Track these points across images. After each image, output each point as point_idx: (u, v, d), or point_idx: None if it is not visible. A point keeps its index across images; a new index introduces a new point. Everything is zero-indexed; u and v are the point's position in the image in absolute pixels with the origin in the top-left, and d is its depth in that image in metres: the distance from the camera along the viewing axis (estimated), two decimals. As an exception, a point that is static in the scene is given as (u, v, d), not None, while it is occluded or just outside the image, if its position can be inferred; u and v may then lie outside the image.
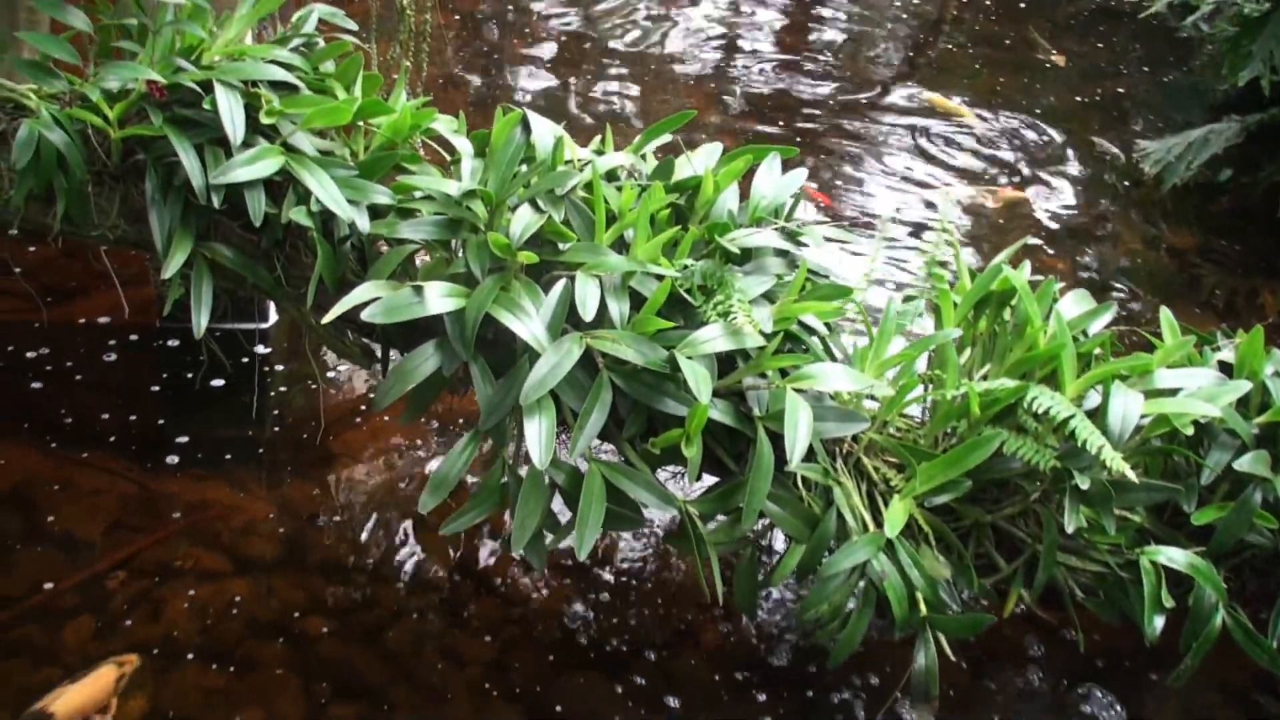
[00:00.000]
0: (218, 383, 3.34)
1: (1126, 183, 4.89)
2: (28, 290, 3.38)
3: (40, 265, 3.68)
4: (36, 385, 3.29)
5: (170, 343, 3.46)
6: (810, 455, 2.37)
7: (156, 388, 3.33)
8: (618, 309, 2.30)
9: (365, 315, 2.23)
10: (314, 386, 3.38)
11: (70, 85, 2.46)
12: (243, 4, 2.63)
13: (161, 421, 3.22)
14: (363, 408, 3.37)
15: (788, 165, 2.69)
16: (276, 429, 3.26)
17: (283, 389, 3.39)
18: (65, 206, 2.50)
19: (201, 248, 2.52)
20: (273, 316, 3.54)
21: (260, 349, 3.45)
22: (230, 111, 2.41)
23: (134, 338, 3.48)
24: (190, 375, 3.35)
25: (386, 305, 2.24)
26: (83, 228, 2.60)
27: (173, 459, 3.10)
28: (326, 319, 2.26)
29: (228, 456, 3.14)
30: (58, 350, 3.42)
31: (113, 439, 3.16)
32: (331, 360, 3.48)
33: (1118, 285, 4.27)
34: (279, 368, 3.45)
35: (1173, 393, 2.45)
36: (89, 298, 3.64)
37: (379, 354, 2.68)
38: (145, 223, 2.50)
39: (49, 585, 2.73)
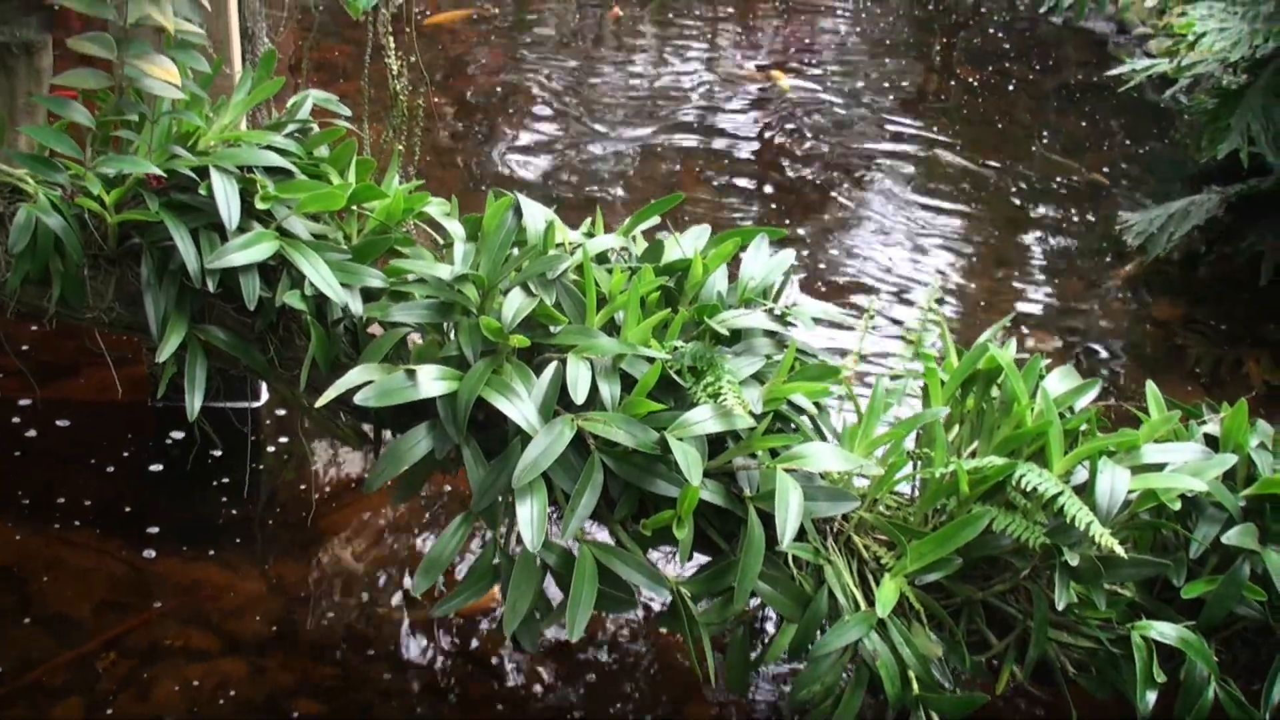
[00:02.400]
0: (209, 461, 3.35)
1: (1109, 254, 4.94)
2: (20, 368, 3.39)
3: (33, 343, 3.70)
4: (27, 463, 3.30)
5: (162, 421, 3.47)
6: (801, 534, 2.38)
7: (147, 466, 3.34)
8: (609, 391, 2.32)
9: (358, 399, 2.24)
10: (305, 465, 3.39)
11: (71, 176, 2.47)
12: (238, 90, 2.67)
13: (152, 500, 3.23)
14: (354, 485, 3.37)
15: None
16: (267, 507, 3.27)
17: (274, 467, 3.40)
18: (61, 290, 2.53)
19: (196, 330, 2.54)
20: (264, 395, 3.56)
21: (251, 428, 3.46)
22: (226, 197, 2.43)
23: (126, 416, 3.49)
24: (182, 454, 3.36)
25: (380, 389, 2.26)
26: (78, 310, 2.62)
27: (163, 538, 3.10)
28: (320, 402, 2.27)
29: (218, 535, 3.15)
30: (49, 428, 3.43)
31: (103, 517, 3.16)
32: (323, 439, 3.49)
33: (1102, 357, 4.30)
34: (270, 446, 3.46)
35: (1159, 467, 2.47)
36: (81, 376, 3.66)
37: (371, 435, 2.69)
38: (140, 306, 2.52)
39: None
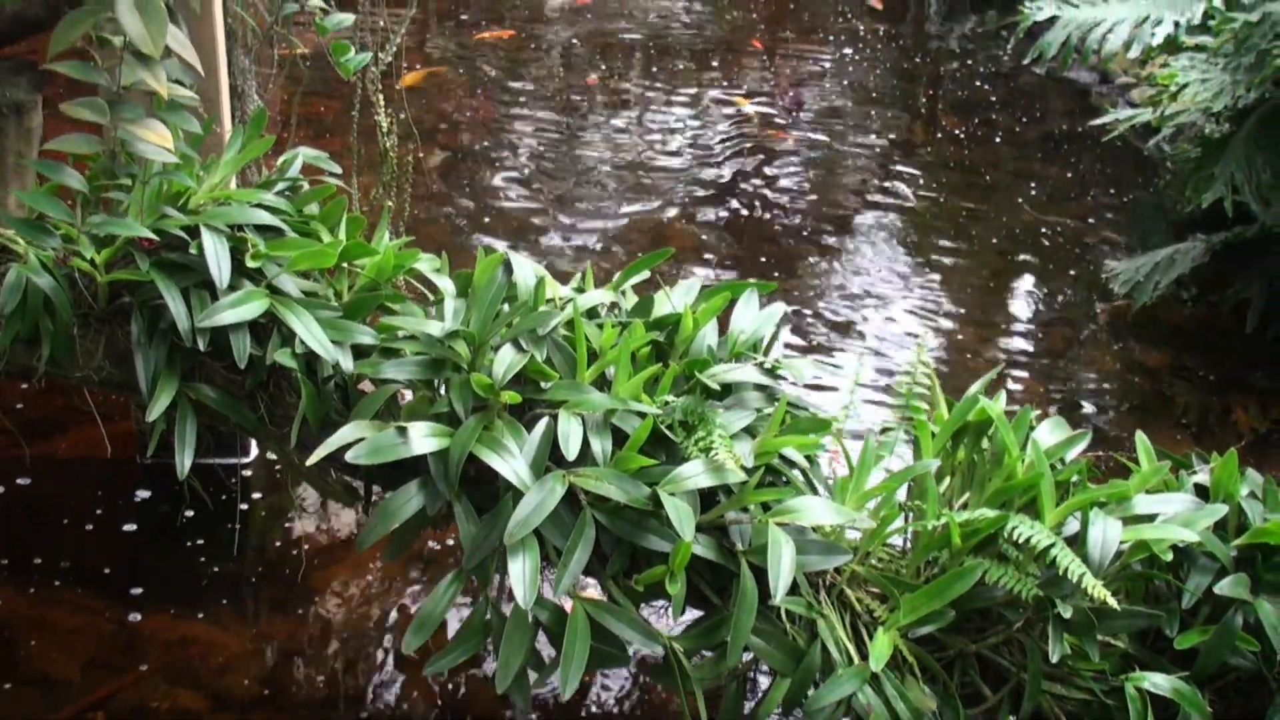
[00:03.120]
0: (197, 518, 3.34)
1: (1096, 302, 4.96)
2: (8, 426, 3.38)
3: (20, 399, 3.69)
4: (14, 521, 3.28)
5: (150, 478, 3.46)
6: (794, 588, 2.38)
7: (135, 524, 3.32)
8: (600, 446, 2.32)
9: (349, 456, 2.24)
10: (294, 521, 3.38)
11: (63, 238, 2.47)
12: (229, 149, 2.68)
13: (140, 557, 3.21)
14: (343, 539, 3.36)
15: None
16: (256, 564, 3.25)
17: (262, 523, 3.38)
18: (51, 349, 2.52)
19: (186, 388, 2.53)
20: (253, 451, 3.55)
21: (240, 484, 3.45)
22: (216, 256, 2.44)
23: (114, 473, 3.48)
24: (170, 511, 3.35)
25: (371, 446, 2.26)
26: (67, 369, 2.61)
27: (151, 596, 3.09)
28: (312, 460, 2.27)
29: (207, 593, 3.13)
30: (37, 485, 3.42)
31: (90, 576, 3.14)
32: (311, 494, 3.48)
33: (1090, 405, 4.32)
34: (259, 501, 3.45)
35: (1150, 518, 2.48)
36: (69, 432, 3.65)
37: (361, 491, 2.69)
38: (130, 364, 2.52)
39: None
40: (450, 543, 3.35)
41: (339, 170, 2.84)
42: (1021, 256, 5.32)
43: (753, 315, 2.69)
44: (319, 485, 2.73)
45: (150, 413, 2.44)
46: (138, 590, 3.10)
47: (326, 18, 2.85)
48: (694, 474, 2.29)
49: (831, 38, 7.93)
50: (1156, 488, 2.57)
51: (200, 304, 2.46)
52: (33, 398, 3.69)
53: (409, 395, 2.53)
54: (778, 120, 6.58)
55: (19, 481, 3.42)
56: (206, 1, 2.86)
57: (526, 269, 2.59)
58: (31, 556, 3.19)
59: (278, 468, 3.53)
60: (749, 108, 6.66)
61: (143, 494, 3.42)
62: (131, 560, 3.21)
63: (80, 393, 3.42)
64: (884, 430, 2.65)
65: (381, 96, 3.18)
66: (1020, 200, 5.81)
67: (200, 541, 3.28)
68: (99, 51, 2.26)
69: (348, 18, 2.94)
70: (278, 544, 3.33)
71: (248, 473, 3.51)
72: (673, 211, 5.43)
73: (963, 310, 4.84)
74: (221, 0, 3.06)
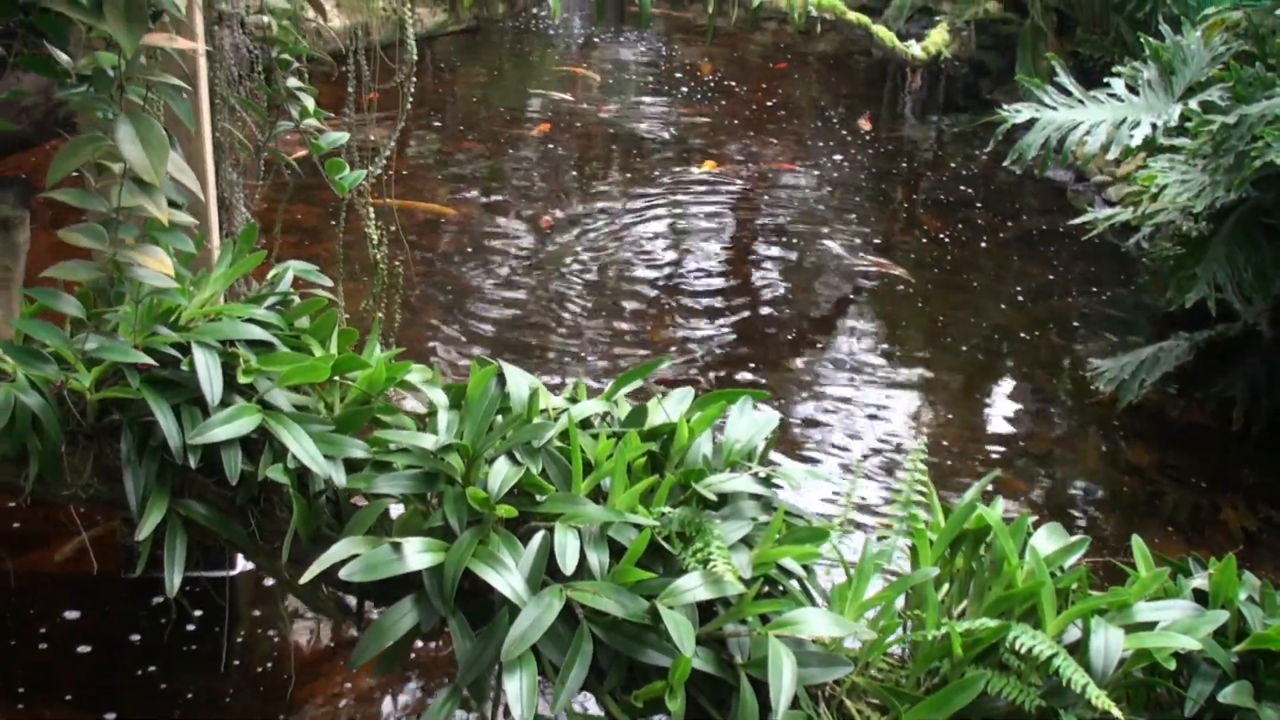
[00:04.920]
0: (184, 632, 3.28)
1: (1081, 401, 4.98)
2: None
3: (2, 512, 3.64)
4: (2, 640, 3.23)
5: (136, 592, 3.41)
6: (794, 701, 2.35)
7: (121, 638, 3.27)
8: (597, 559, 2.30)
9: (344, 574, 2.22)
10: (282, 634, 3.33)
11: (55, 358, 2.45)
12: (219, 264, 2.68)
13: (126, 673, 3.15)
14: (331, 649, 3.31)
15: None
16: (244, 678, 3.20)
17: (250, 637, 3.33)
18: (38, 468, 2.49)
19: (175, 505, 2.51)
20: (240, 564, 3.51)
21: (228, 597, 3.40)
22: (208, 372, 2.43)
23: (98, 587, 3.43)
24: (157, 622, 3.29)
25: (366, 563, 2.23)
26: (54, 487, 2.58)
27: (137, 712, 3.02)
28: (306, 578, 2.24)
29: (194, 708, 3.07)
30: (20, 602, 3.36)
31: (76, 692, 3.08)
32: (298, 606, 3.43)
33: (1080, 505, 4.31)
34: (246, 614, 3.40)
35: (1151, 625, 2.46)
36: (52, 546, 3.60)
37: (354, 606, 2.65)
38: (119, 481, 2.49)
39: None
40: (439, 645, 3.30)
41: (330, 283, 2.84)
42: (1004, 355, 5.34)
43: (747, 424, 2.68)
44: (310, 600, 2.70)
45: (140, 531, 2.41)
46: (123, 706, 3.04)
47: (322, 136, 2.87)
48: (692, 586, 2.27)
49: (810, 142, 8.02)
50: (1156, 594, 2.56)
51: (191, 420, 2.44)
52: (12, 509, 3.64)
53: (401, 508, 2.51)
54: (757, 223, 6.63)
55: (2, 598, 3.36)
56: (197, 118, 2.88)
57: (520, 380, 2.59)
58: (15, 673, 3.13)
59: (257, 580, 3.48)
60: (726, 207, 6.71)
61: (127, 608, 3.36)
62: (117, 676, 3.15)
63: (65, 507, 3.38)
64: (880, 538, 2.63)
65: (371, 210, 3.19)
66: (1001, 299, 5.85)
67: (186, 655, 3.23)
68: (94, 174, 2.26)
69: (342, 136, 2.96)
70: (266, 657, 3.27)
71: (235, 586, 3.45)
72: (650, 308, 5.44)
73: (946, 411, 4.84)
74: (210, 115, 3.08)
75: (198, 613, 3.28)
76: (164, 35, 2.17)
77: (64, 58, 2.23)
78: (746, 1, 5.85)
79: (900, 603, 2.55)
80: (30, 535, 3.60)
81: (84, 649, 3.23)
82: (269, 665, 3.25)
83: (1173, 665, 2.39)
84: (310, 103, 2.99)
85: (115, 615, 3.35)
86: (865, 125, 7.98)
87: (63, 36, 2.26)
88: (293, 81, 2.98)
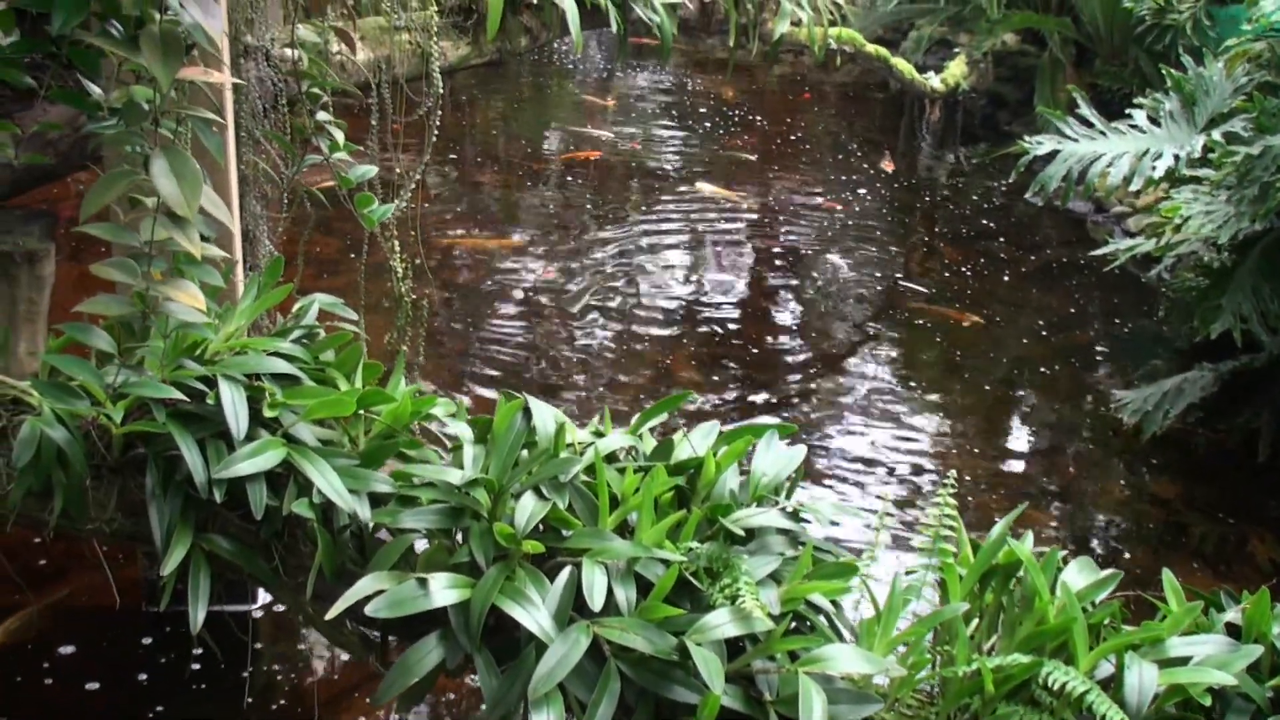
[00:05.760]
0: (206, 666, 3.27)
1: (1106, 432, 4.95)
2: (10, 574, 3.33)
3: (23, 547, 3.63)
4: (19, 675, 3.21)
5: (157, 627, 3.39)
6: (824, 738, 2.32)
7: (143, 674, 3.25)
8: (624, 595, 2.28)
9: (369, 610, 2.20)
10: (305, 669, 3.31)
11: (83, 391, 2.44)
12: (244, 297, 2.68)
13: (144, 708, 3.13)
14: (352, 684, 3.29)
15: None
16: (266, 714, 3.18)
17: (272, 671, 3.31)
18: (63, 502, 2.48)
19: (199, 539, 2.49)
20: (262, 597, 3.49)
21: (250, 631, 3.39)
22: (234, 406, 2.42)
23: (120, 620, 3.41)
24: (178, 657, 3.28)
25: (392, 599, 2.21)
26: (79, 522, 2.57)
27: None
28: (331, 614, 2.22)
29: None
30: (42, 635, 3.35)
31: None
32: (320, 640, 3.41)
33: (1105, 537, 4.28)
34: (268, 648, 3.38)
35: (1185, 660, 2.43)
36: (73, 580, 3.59)
37: (378, 641, 2.63)
38: (143, 515, 2.48)
39: None
40: (466, 682, 3.28)
41: (355, 316, 2.83)
42: (1027, 387, 5.32)
43: (774, 458, 2.66)
44: (333, 635, 2.68)
45: (165, 566, 2.40)
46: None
47: (351, 170, 2.87)
48: (721, 623, 2.24)
49: (833, 176, 8.03)
50: (1189, 629, 2.53)
51: (216, 454, 2.43)
52: (28, 543, 3.63)
53: (425, 543, 2.49)
54: (775, 251, 6.62)
55: (23, 631, 3.35)
56: (224, 151, 2.88)
57: (546, 414, 2.57)
58: (36, 710, 3.11)
59: (289, 614, 3.47)
60: (743, 237, 6.71)
61: (149, 642, 3.35)
62: (139, 711, 3.13)
63: (87, 541, 3.37)
64: (908, 573, 2.60)
65: (397, 243, 3.19)
66: (1022, 331, 5.83)
67: (208, 690, 3.21)
68: (124, 207, 2.26)
69: (370, 169, 2.96)
70: (287, 693, 3.25)
71: (256, 621, 3.44)
72: (670, 344, 5.43)
73: (968, 443, 4.82)
74: (235, 148, 3.08)
75: (220, 648, 3.26)
76: (198, 69, 2.17)
77: (96, 90, 2.24)
78: (767, 35, 5.86)
79: (929, 638, 2.52)
80: (52, 571, 3.59)
81: (105, 684, 3.21)
82: (290, 701, 3.23)
83: (1208, 701, 2.36)
84: (340, 136, 3.00)
85: (135, 649, 3.34)
86: (888, 167, 7.96)
87: (95, 69, 2.27)
88: (322, 115, 2.99)
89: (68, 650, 3.31)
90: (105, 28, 2.22)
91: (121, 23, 2.20)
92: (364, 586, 2.26)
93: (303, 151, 3.05)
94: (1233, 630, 2.60)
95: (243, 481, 2.42)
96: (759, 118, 9.04)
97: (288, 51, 3.15)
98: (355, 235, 3.20)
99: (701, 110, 9.14)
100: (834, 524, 2.79)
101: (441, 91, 3.07)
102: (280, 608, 3.47)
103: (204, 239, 2.20)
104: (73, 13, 2.05)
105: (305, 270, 4.76)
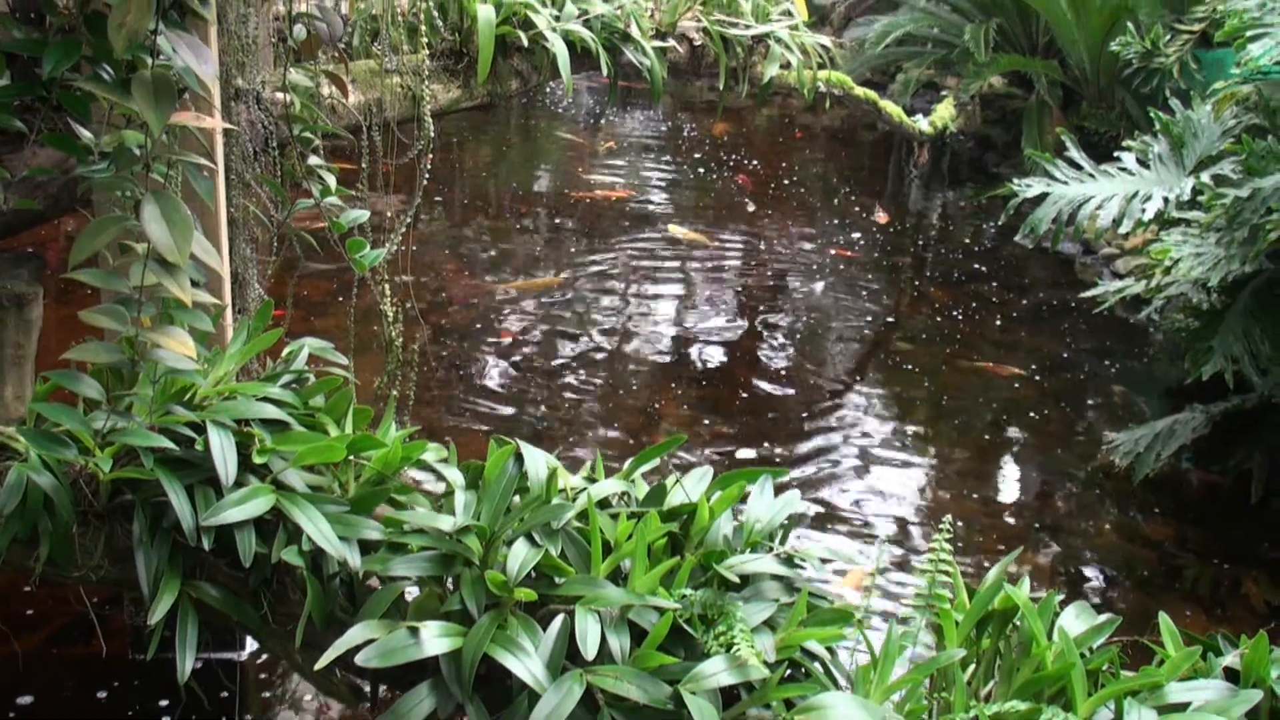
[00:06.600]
0: (193, 717, 3.22)
1: (1097, 474, 4.93)
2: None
3: (6, 592, 3.59)
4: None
5: (144, 675, 3.35)
6: (820, 788, 2.29)
7: (127, 723, 3.21)
8: (618, 644, 2.26)
9: (360, 659, 2.17)
10: (294, 718, 3.27)
11: (70, 438, 2.42)
12: (234, 341, 2.66)
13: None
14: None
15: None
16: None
17: (260, 721, 3.28)
18: (49, 549, 2.45)
19: (187, 586, 2.46)
20: (249, 645, 3.45)
21: (239, 680, 3.35)
22: (223, 452, 2.39)
23: (104, 669, 3.37)
24: (164, 704, 3.23)
25: (382, 649, 2.19)
26: (65, 568, 2.54)
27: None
28: (321, 664, 2.19)
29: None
30: (25, 683, 3.30)
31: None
32: (307, 689, 3.37)
33: (1098, 580, 4.25)
34: (255, 698, 3.34)
35: (1184, 706, 2.41)
36: (53, 625, 3.55)
37: (368, 690, 2.60)
38: (130, 562, 2.45)
39: None
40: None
41: (345, 361, 2.81)
42: (1018, 429, 5.30)
43: (767, 503, 2.64)
44: (323, 684, 2.64)
45: (152, 615, 2.37)
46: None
47: (342, 214, 2.86)
48: (716, 671, 2.22)
49: (824, 220, 8.04)
50: (1187, 674, 2.51)
51: (205, 500, 2.40)
52: (17, 591, 3.59)
53: (416, 590, 2.46)
54: (765, 298, 6.62)
55: (12, 686, 3.30)
56: (214, 195, 2.87)
57: (538, 460, 2.55)
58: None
59: (267, 661, 3.43)
60: (730, 292, 6.71)
61: (134, 691, 3.30)
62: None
63: (73, 588, 3.33)
64: (903, 620, 2.58)
65: (387, 287, 3.17)
66: (1013, 373, 5.82)
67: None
68: (114, 252, 2.24)
69: (363, 214, 2.95)
70: (275, 743, 3.22)
71: (244, 669, 3.40)
72: (660, 386, 5.41)
73: (959, 486, 4.80)
74: (225, 191, 3.07)
75: (207, 698, 3.22)
76: (190, 114, 2.16)
77: (86, 134, 2.22)
78: (756, 78, 5.88)
79: (926, 685, 2.50)
80: (36, 618, 3.55)
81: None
82: (280, 750, 3.19)
83: (1207, 749, 2.34)
84: (331, 180, 2.99)
85: (123, 701, 3.29)
86: (881, 219, 7.97)
87: (85, 113, 2.25)
88: (313, 159, 2.98)
89: (43, 699, 3.27)
90: (96, 72, 2.21)
91: (113, 67, 2.19)
92: (354, 635, 2.23)
93: (294, 195, 3.04)
94: (1231, 675, 2.58)
95: (231, 528, 2.39)
96: (752, 160, 9.06)
97: (279, 95, 3.14)
98: (345, 279, 3.18)
99: (690, 152, 9.16)
100: (827, 563, 2.77)
101: (432, 135, 3.06)
102: (272, 659, 3.43)
103: (194, 284, 2.18)
104: (64, 57, 2.05)
105: (292, 313, 4.75)
